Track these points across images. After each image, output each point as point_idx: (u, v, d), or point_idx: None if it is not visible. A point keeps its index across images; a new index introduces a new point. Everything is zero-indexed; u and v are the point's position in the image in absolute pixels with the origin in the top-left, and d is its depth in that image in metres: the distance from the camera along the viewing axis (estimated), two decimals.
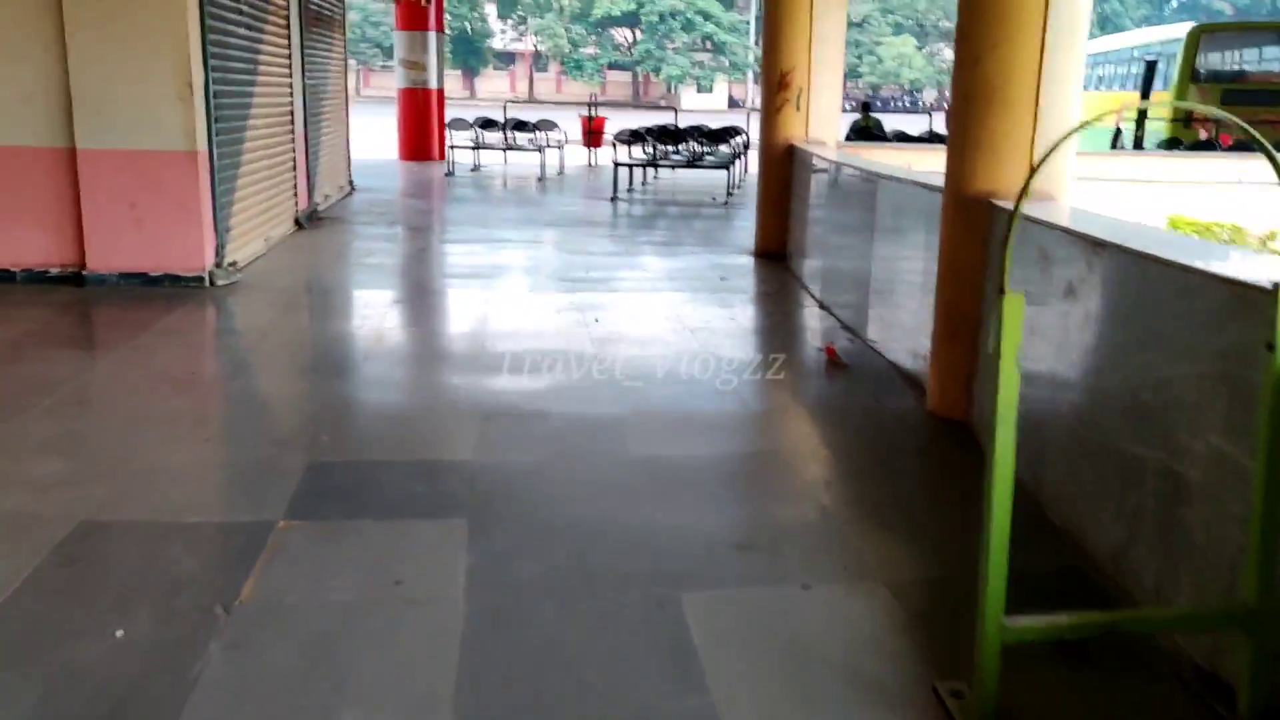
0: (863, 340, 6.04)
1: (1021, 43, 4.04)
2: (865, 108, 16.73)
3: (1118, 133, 22.13)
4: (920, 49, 63.38)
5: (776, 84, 8.46)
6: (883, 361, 5.66)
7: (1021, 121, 4.11)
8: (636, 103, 58.68)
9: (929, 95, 64.83)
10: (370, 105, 29.92)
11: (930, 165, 10.09)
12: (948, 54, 65.82)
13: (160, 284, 6.80)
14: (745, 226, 10.85)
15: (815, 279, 7.41)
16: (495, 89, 62.06)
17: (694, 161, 13.65)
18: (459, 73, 63.69)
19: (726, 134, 14.86)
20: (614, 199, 13.24)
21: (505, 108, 19.30)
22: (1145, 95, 20.65)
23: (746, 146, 14.08)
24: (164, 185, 6.65)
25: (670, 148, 14.30)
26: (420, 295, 7.52)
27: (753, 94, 64.59)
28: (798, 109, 8.44)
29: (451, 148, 16.38)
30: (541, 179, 16.01)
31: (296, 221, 9.72)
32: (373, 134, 21.50)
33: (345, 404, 4.83)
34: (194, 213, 6.74)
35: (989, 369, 2.49)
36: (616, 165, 13.36)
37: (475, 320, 6.55)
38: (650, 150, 14.00)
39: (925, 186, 5.08)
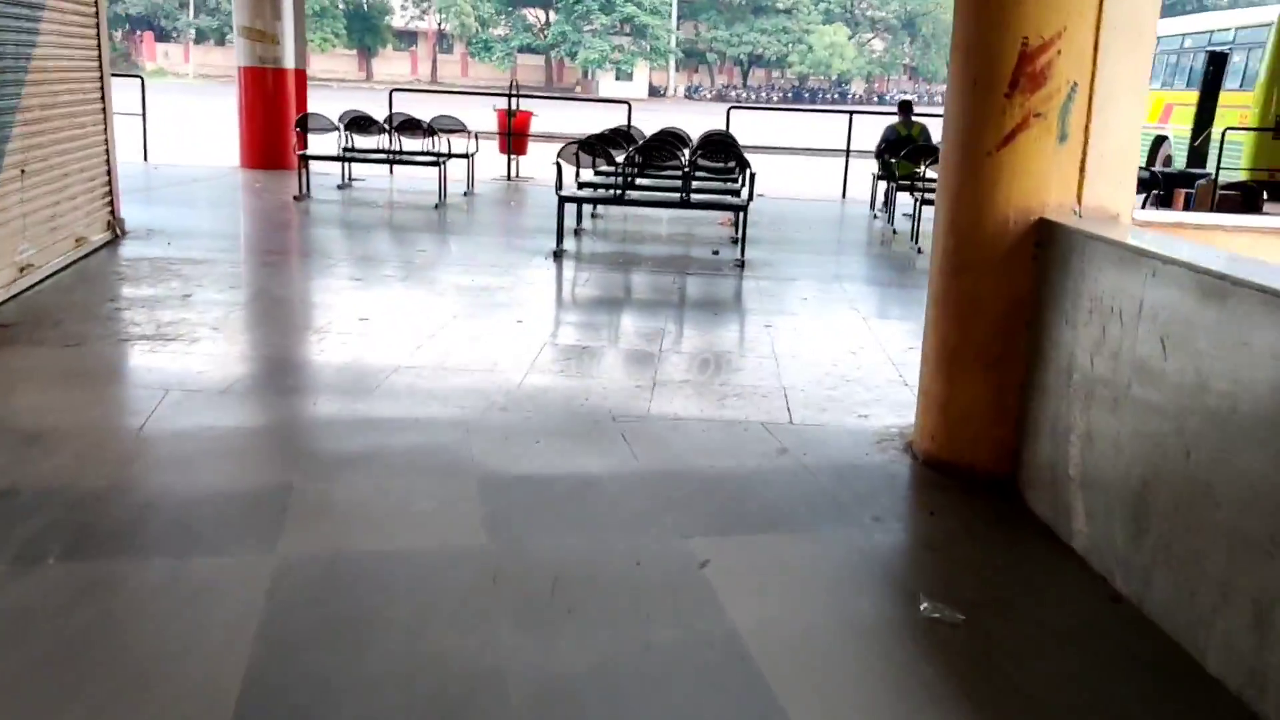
0: None
1: None
2: (906, 108, 11.86)
3: (1157, 143, 17.78)
4: (851, 39, 59.47)
5: (1010, 76, 3.44)
6: None
7: None
8: (550, 89, 53.33)
9: (857, 86, 60.91)
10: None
11: None
12: (876, 45, 61.87)
13: None
14: (806, 330, 5.85)
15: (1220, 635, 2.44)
16: (394, 71, 56.11)
17: (686, 196, 8.53)
18: (354, 53, 57.49)
19: (723, 147, 9.81)
20: (558, 254, 8.11)
21: (391, 98, 13.93)
22: (1208, 96, 16.24)
23: (747, 167, 9.04)
24: None
25: (640, 167, 9.20)
26: None
27: (675, 81, 59.81)
28: (1062, 137, 3.45)
29: (303, 156, 10.99)
30: (440, 206, 10.76)
31: None
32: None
33: None
34: None
35: None
36: (563, 200, 8.19)
37: None
38: (619, 172, 8.85)
39: None
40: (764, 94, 58.38)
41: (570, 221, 9.08)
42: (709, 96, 57.31)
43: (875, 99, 58.40)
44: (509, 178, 13.69)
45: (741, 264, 8.02)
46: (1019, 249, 3.55)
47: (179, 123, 21.00)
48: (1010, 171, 3.52)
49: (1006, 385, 3.64)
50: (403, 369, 4.90)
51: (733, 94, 56.33)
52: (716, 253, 8.68)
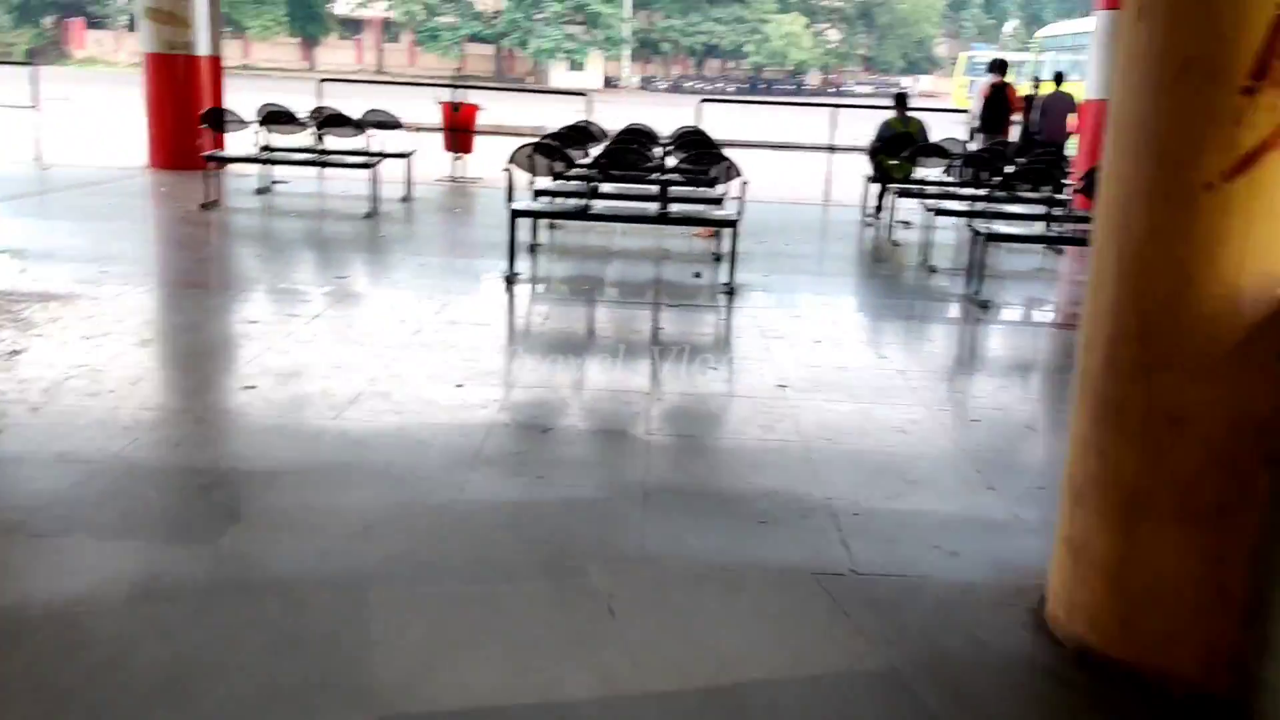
0: None
1: None
2: (901, 101, 10.57)
3: None
4: (807, 28, 58.36)
5: (1256, 60, 2.09)
6: None
7: None
8: (501, 80, 51.61)
9: (813, 78, 59.79)
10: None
11: None
12: (832, 35, 60.62)
13: None
14: (830, 391, 4.46)
15: None
16: (339, 60, 53.94)
17: (664, 209, 7.11)
18: (296, 41, 55.12)
19: (702, 148, 8.42)
20: (510, 279, 6.69)
21: (319, 89, 12.37)
22: None
23: (738, 175, 7.65)
24: None
25: (604, 170, 7.77)
26: None
27: (629, 72, 58.10)
28: None
29: (210, 157, 9.43)
30: (372, 215, 9.27)
31: None
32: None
33: None
34: None
35: None
36: (516, 215, 6.75)
37: None
38: (583, 178, 7.43)
39: None
40: (720, 85, 57.03)
41: (524, 235, 7.66)
42: (664, 88, 55.90)
43: (832, 90, 57.31)
44: (453, 179, 12.19)
45: (730, 290, 6.64)
46: (1258, 341, 2.20)
47: (95, 117, 19.16)
48: (1248, 215, 2.16)
49: (1228, 554, 2.29)
50: (284, 475, 3.45)
51: (687, 85, 54.94)
52: (699, 275, 7.30)
